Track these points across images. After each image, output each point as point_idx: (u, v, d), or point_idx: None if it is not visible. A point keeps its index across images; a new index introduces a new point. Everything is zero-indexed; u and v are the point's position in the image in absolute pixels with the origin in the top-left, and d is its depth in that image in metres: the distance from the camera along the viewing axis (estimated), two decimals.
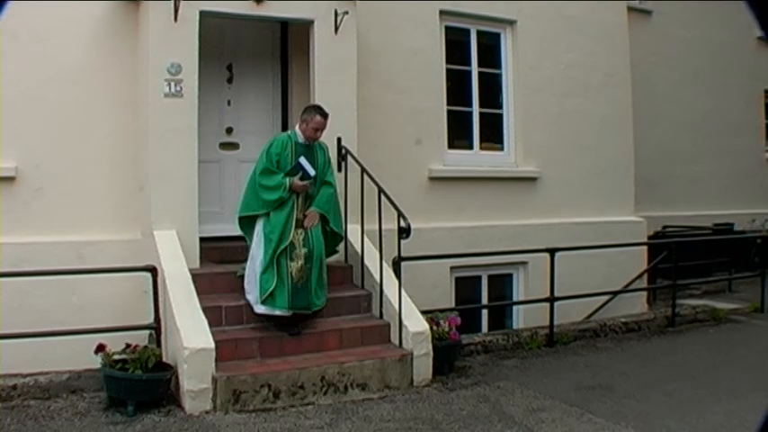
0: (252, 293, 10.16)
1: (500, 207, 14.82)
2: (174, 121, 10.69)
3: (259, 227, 10.31)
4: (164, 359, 9.20)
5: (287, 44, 13.11)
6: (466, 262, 13.62)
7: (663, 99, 21.17)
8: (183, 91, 10.73)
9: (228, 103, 12.78)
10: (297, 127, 10.61)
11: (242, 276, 10.52)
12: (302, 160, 10.27)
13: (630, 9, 17.98)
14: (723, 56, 22.75)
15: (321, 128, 10.52)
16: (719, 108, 22.61)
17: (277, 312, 10.04)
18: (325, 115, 10.51)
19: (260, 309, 10.08)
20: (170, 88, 10.67)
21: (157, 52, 10.69)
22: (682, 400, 9.82)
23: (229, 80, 12.79)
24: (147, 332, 9.72)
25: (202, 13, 10.94)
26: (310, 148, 10.50)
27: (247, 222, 10.46)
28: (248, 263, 10.32)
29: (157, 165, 10.67)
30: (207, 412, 8.78)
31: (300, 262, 10.03)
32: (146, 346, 9.13)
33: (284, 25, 12.98)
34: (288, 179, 10.23)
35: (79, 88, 11.04)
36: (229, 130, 12.75)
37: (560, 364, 11.67)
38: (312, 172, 10.26)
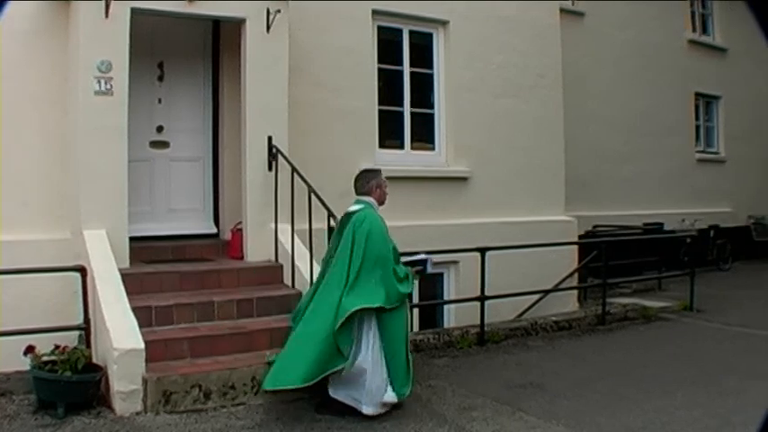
0: (371, 391, 9.00)
1: (431, 207, 14.92)
2: (104, 119, 10.66)
3: (373, 321, 8.99)
4: (94, 360, 9.18)
5: (219, 42, 13.12)
6: None
7: (596, 100, 21.40)
8: (113, 88, 10.71)
9: (159, 101, 12.76)
10: (368, 197, 9.57)
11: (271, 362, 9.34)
12: (429, 258, 9.92)
13: (563, 10, 18.17)
14: (655, 57, 23.04)
15: None
16: (652, 109, 22.90)
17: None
18: None
19: (391, 397, 9.09)
20: (100, 86, 10.65)
21: (87, 49, 10.66)
22: (612, 397, 9.97)
23: (160, 78, 12.78)
24: (77, 333, 9.69)
25: (134, 10, 10.93)
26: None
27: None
28: (359, 359, 8.93)
29: (87, 163, 10.64)
30: (137, 414, 8.77)
31: None
32: (75, 348, 9.11)
33: (216, 23, 13.00)
34: (410, 270, 9.46)
35: (8, 86, 10.99)
36: (160, 129, 12.74)
37: (491, 362, 11.78)
38: (430, 269, 9.85)
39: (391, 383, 9.05)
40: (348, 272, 8.97)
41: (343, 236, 9.25)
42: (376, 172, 9.75)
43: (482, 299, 13.17)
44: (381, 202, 9.60)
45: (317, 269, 10.90)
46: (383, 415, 9.01)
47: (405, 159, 14.83)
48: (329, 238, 10.49)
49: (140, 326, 9.30)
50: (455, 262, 14.78)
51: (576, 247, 16.50)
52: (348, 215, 9.39)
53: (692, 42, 24.58)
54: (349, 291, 8.90)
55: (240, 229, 12.20)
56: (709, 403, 9.76)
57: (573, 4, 21.13)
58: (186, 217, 12.99)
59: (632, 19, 22.49)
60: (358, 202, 9.53)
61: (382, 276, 9.01)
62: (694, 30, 25.02)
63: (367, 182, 9.60)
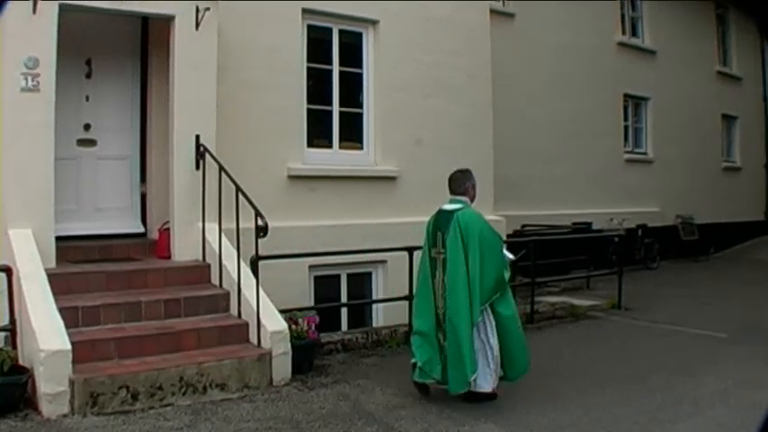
0: (487, 374, 9.77)
1: (359, 206, 14.98)
2: (30, 116, 10.61)
3: (491, 309, 9.76)
4: (20, 362, 9.13)
5: (147, 40, 13.09)
6: (325, 261, 13.74)
7: (526, 100, 21.57)
8: (40, 85, 10.65)
9: (87, 98, 12.71)
10: (464, 196, 10.13)
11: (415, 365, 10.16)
12: (506, 251, 10.13)
13: (494, 11, 18.30)
14: (586, 59, 23.27)
15: None
16: (582, 110, 23.12)
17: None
18: None
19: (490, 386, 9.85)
20: (26, 82, 10.59)
21: (14, 45, 10.59)
22: (542, 394, 10.08)
23: (88, 75, 12.73)
24: (3, 334, 9.64)
25: (62, 7, 10.88)
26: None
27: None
28: (478, 342, 9.72)
29: (12, 161, 10.58)
30: (65, 415, 8.75)
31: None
32: (1, 349, 9.06)
33: (145, 21, 12.97)
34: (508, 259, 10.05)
35: None
36: (87, 127, 12.69)
37: None
38: (511, 257, 10.18)
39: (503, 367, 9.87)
40: (473, 269, 9.63)
41: (451, 234, 9.81)
42: (468, 173, 10.28)
43: (410, 298, 13.25)
44: (473, 200, 10.16)
45: (244, 268, 10.92)
46: (312, 414, 9.06)
47: (333, 159, 14.88)
48: (257, 238, 10.51)
49: (67, 327, 9.27)
50: (383, 261, 14.85)
51: None
52: (447, 213, 10.00)
53: (622, 44, 24.84)
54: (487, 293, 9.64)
55: (167, 229, 12.19)
56: (637, 400, 9.92)
57: (504, 5, 21.27)
58: (113, 216, 12.95)
59: (563, 21, 22.68)
60: (454, 201, 10.12)
61: (496, 266, 9.68)
62: (624, 32, 25.29)
63: (462, 183, 10.19)
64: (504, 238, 16.67)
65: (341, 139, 15.06)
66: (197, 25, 11.99)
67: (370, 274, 15.11)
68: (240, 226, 10.86)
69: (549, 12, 22.25)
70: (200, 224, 11.80)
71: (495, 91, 17.50)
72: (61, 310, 9.48)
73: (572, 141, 22.79)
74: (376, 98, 15.34)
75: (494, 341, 9.67)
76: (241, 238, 10.90)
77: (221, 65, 12.58)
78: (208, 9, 12.01)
